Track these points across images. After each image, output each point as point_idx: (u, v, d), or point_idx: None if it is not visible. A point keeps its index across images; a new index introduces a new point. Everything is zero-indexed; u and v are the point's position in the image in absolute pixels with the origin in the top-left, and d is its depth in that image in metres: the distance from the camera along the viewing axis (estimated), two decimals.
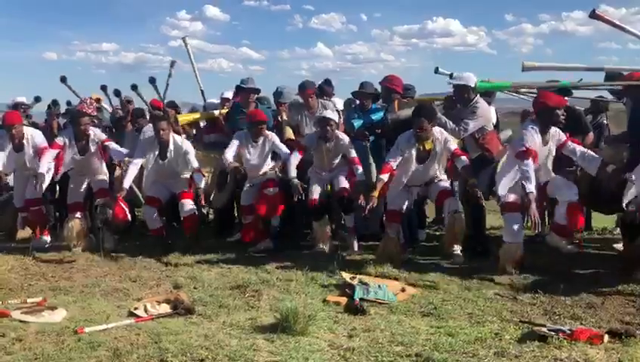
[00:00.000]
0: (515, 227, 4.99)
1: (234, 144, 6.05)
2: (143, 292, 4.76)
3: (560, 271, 4.93)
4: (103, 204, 6.08)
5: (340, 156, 5.96)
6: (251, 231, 6.10)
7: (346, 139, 5.88)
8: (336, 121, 5.85)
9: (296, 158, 5.89)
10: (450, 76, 6.05)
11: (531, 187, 4.71)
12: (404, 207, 5.52)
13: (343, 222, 6.28)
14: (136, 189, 6.52)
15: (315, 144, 5.95)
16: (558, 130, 5.07)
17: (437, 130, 5.38)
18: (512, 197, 4.99)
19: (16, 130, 6.09)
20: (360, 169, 5.75)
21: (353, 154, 5.81)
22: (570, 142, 5.07)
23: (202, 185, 5.89)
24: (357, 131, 6.19)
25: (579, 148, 5.05)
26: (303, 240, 6.44)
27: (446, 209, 5.46)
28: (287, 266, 5.32)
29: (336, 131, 5.89)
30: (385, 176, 5.35)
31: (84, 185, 6.35)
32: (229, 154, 5.96)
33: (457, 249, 5.43)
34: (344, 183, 5.83)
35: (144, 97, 7.19)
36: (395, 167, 5.39)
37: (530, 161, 4.78)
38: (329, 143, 5.87)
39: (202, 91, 7.73)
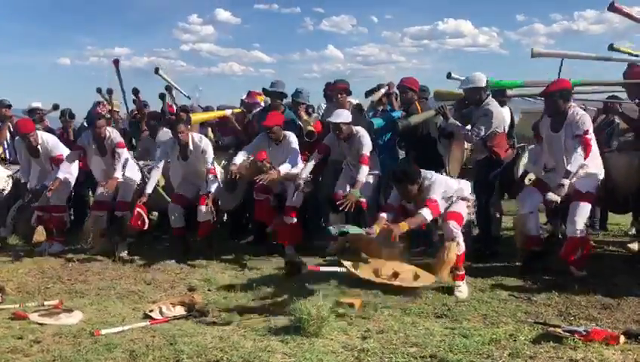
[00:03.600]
0: (522, 200, 5.11)
1: (253, 146, 6.06)
2: (157, 294, 4.81)
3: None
4: (122, 216, 6.21)
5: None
6: (263, 211, 6.10)
7: (362, 135, 5.77)
8: (346, 121, 5.78)
9: (311, 163, 5.86)
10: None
11: (532, 166, 5.19)
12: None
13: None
14: (162, 191, 6.57)
15: (336, 142, 5.94)
16: (582, 120, 4.81)
17: (424, 181, 4.76)
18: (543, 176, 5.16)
19: (33, 138, 6.25)
20: (364, 169, 5.62)
21: (364, 151, 5.68)
22: (582, 139, 4.75)
23: (213, 188, 5.89)
24: (376, 130, 6.18)
25: (580, 149, 4.73)
26: (316, 241, 6.46)
27: (445, 231, 4.80)
28: None
29: (354, 128, 5.81)
30: (387, 215, 4.92)
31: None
32: (239, 157, 5.96)
33: (461, 284, 4.72)
34: (367, 196, 5.74)
35: (166, 103, 7.33)
36: (396, 207, 5.02)
37: (535, 145, 5.22)
38: (347, 142, 5.85)
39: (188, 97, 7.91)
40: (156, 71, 7.61)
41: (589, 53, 5.81)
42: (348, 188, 5.74)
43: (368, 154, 5.69)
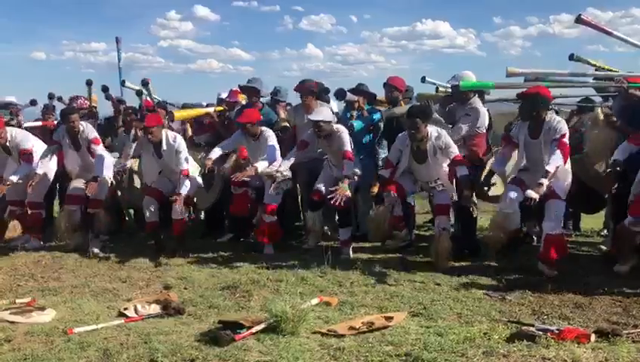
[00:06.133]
0: (508, 197, 5.01)
1: (231, 142, 6.13)
2: (132, 292, 4.76)
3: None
4: (94, 213, 6.16)
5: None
6: (266, 231, 6.00)
7: (342, 132, 5.77)
8: (327, 120, 5.76)
9: (290, 158, 5.84)
10: (436, 90, 6.11)
11: (497, 167, 5.32)
12: (410, 188, 5.56)
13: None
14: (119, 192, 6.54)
15: (316, 140, 5.93)
16: (559, 125, 4.92)
17: (432, 130, 5.30)
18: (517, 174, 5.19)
19: (2, 135, 6.15)
20: (349, 163, 5.63)
21: (346, 148, 5.69)
22: (560, 142, 4.83)
23: (184, 190, 5.81)
24: (357, 133, 6.19)
25: (557, 150, 4.80)
26: (293, 239, 6.46)
27: (436, 225, 5.48)
28: (278, 266, 5.33)
29: (334, 126, 5.80)
30: (385, 172, 5.47)
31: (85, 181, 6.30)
32: (215, 152, 6.01)
33: (445, 262, 5.31)
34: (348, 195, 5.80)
35: (143, 99, 7.22)
36: (395, 165, 5.46)
37: (503, 148, 5.32)
38: (327, 140, 5.84)
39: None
40: (122, 84, 7.52)
41: (562, 65, 5.87)
42: (323, 187, 5.80)
43: (350, 149, 5.71)
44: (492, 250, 5.10)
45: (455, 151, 5.28)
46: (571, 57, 5.91)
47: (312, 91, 6.26)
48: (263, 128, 6.04)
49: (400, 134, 5.51)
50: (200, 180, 6.29)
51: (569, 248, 5.83)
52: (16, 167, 6.25)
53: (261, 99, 6.64)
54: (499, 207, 5.18)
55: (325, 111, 5.83)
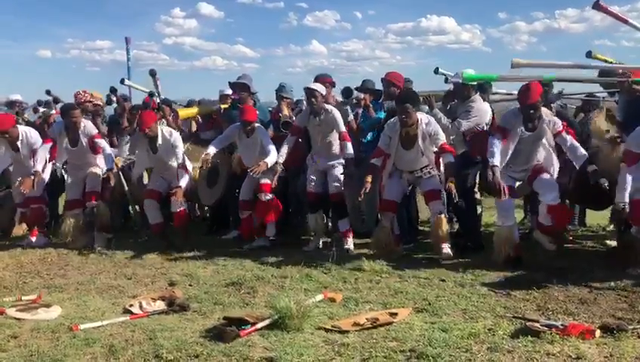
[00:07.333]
0: (505, 211, 5.11)
1: (225, 137, 6.16)
2: (138, 289, 4.77)
3: (553, 267, 4.95)
4: (92, 207, 6.17)
5: (334, 132, 5.81)
6: (247, 226, 6.10)
7: (335, 112, 5.76)
8: (322, 92, 5.78)
9: (286, 146, 5.88)
10: (446, 80, 6.07)
11: (494, 160, 4.94)
12: (399, 198, 5.55)
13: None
14: (126, 186, 6.55)
15: (307, 121, 5.92)
16: (554, 119, 5.03)
17: (422, 117, 5.35)
18: (503, 183, 5.12)
19: (12, 133, 6.19)
20: (348, 145, 5.68)
21: (342, 128, 5.73)
22: (564, 133, 5.00)
23: (183, 183, 5.81)
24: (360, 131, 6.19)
25: (570, 140, 5.00)
26: (298, 236, 6.46)
27: (431, 211, 5.47)
28: (283, 263, 5.34)
29: (327, 105, 5.81)
30: (376, 161, 5.46)
31: (81, 181, 6.35)
32: (213, 147, 6.00)
33: (446, 246, 5.37)
34: (338, 186, 5.81)
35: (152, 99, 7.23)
36: (386, 152, 5.45)
37: (495, 138, 5.04)
38: (318, 117, 5.81)
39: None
40: (122, 82, 7.53)
41: (567, 60, 5.78)
42: (314, 184, 5.83)
43: (345, 130, 5.74)
44: (503, 265, 5.07)
45: (442, 138, 5.32)
46: (588, 55, 5.87)
47: (329, 83, 6.31)
48: (255, 125, 6.04)
49: (389, 121, 5.55)
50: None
51: (574, 242, 5.86)
52: (7, 158, 6.34)
53: (252, 96, 6.65)
54: (497, 223, 5.22)
55: (321, 86, 5.87)
